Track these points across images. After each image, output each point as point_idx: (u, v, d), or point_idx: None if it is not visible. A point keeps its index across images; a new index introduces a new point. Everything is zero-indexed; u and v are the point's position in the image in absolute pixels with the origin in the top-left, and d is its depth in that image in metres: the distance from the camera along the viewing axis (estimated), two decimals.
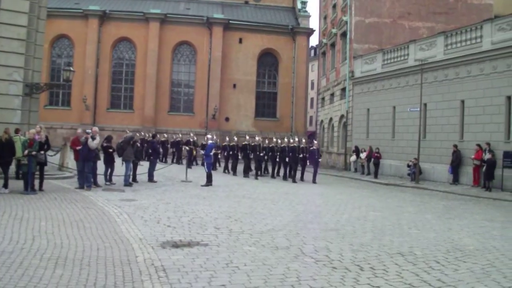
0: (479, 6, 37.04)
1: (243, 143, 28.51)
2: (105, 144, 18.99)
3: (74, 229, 10.09)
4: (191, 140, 33.91)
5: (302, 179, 25.89)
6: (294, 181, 24.94)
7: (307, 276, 7.49)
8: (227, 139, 31.54)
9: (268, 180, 25.74)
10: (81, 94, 44.58)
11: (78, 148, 17.40)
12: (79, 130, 17.84)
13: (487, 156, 22.83)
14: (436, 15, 36.83)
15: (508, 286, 7.36)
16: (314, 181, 25.22)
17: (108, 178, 19.13)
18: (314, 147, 26.85)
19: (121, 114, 46.47)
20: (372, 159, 29.95)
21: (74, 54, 46.11)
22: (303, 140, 28.00)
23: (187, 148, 30.62)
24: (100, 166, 18.84)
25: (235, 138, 29.38)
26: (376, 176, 29.25)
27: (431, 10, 36.90)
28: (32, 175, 15.36)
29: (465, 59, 25.64)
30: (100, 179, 18.75)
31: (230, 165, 29.73)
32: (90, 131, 17.83)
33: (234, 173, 28.40)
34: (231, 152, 29.54)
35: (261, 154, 27.28)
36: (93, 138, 16.95)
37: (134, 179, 20.46)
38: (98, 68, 45.88)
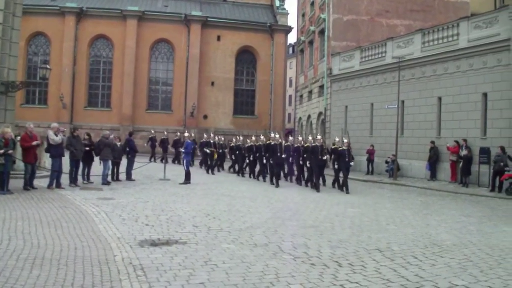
0: (456, 4, 37.37)
1: (257, 143, 24.86)
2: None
3: (51, 229, 9.99)
4: (212, 141, 29.48)
5: (334, 185, 21.58)
6: (317, 189, 20.23)
7: (286, 273, 7.50)
8: (253, 138, 26.44)
9: (286, 185, 22.38)
10: (58, 92, 44.21)
11: (34, 143, 16.66)
12: (31, 125, 17.11)
13: (463, 152, 23.09)
14: (413, 12, 37.07)
15: (485, 280, 7.46)
16: (342, 189, 20.62)
17: (86, 177, 18.99)
18: (344, 147, 20.96)
19: (99, 112, 46.14)
20: (367, 155, 29.74)
21: (50, 52, 45.70)
22: (340, 140, 22.00)
23: (207, 150, 28.43)
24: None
25: (262, 137, 25.00)
26: (371, 173, 29.27)
27: (408, 8, 37.13)
28: (7, 175, 15.17)
29: (442, 56, 25.87)
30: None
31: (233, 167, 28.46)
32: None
33: (258, 178, 24.71)
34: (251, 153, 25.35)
35: (283, 156, 22.58)
36: (56, 135, 16.75)
37: (117, 178, 20.48)
38: (75, 66, 45.49)
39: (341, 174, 20.88)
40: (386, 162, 28.17)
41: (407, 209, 15.48)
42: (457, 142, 23.97)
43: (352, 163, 21.36)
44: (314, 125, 40.82)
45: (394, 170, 26.75)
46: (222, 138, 31.00)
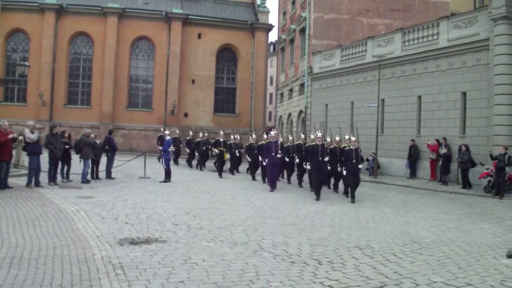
0: (436, 3, 37.69)
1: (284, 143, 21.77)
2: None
3: (30, 228, 9.91)
4: (221, 140, 26.21)
5: (347, 194, 17.84)
6: (316, 196, 17.06)
7: (266, 271, 7.52)
8: (265, 136, 23.08)
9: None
10: (38, 89, 43.70)
11: (10, 136, 16.17)
12: (6, 123, 16.86)
13: (443, 150, 23.31)
14: (394, 12, 37.32)
15: (463, 277, 7.53)
16: (352, 198, 16.86)
17: (65, 176, 18.84)
18: (351, 147, 17.35)
19: (79, 110, 45.67)
20: None
21: (30, 49, 45.10)
22: (352, 138, 17.85)
23: (216, 150, 25.63)
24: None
25: (303, 135, 20.79)
26: None
27: (389, 7, 37.38)
28: None
29: (422, 55, 26.06)
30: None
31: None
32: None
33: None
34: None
35: (279, 156, 19.74)
36: (32, 133, 16.62)
37: (97, 177, 20.38)
38: (55, 63, 45.00)
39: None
40: (367, 160, 28.24)
41: (386, 207, 15.58)
42: (437, 140, 24.18)
43: (361, 166, 17.64)
44: (294, 123, 40.92)
45: (374, 168, 26.90)
46: (238, 137, 28.06)
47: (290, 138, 22.33)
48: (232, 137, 27.55)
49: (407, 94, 26.97)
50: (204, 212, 12.83)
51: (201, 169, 28.55)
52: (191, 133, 32.39)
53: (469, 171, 21.72)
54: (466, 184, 21.67)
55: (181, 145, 32.14)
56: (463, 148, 21.75)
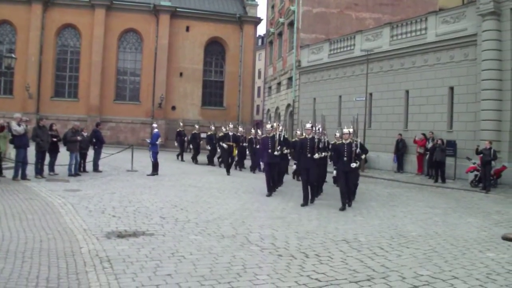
0: None
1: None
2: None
3: (16, 221, 9.85)
4: (231, 133, 24.48)
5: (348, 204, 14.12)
6: (304, 201, 14.12)
7: (253, 264, 7.54)
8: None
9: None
10: (24, 82, 43.36)
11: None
12: None
13: (430, 145, 23.41)
14: (382, 6, 37.39)
15: (449, 270, 7.58)
16: (349, 204, 14.14)
17: (52, 168, 18.72)
18: (343, 141, 14.50)
19: (66, 102, 45.41)
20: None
21: (16, 41, 44.69)
22: (344, 131, 14.82)
23: (224, 145, 23.88)
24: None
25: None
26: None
27: (377, 2, 37.45)
28: None
29: (410, 50, 26.12)
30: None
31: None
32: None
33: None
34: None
35: (276, 153, 16.28)
36: (19, 125, 16.55)
37: (84, 170, 20.29)
38: (42, 55, 44.67)
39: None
40: None
41: (373, 201, 15.67)
42: (424, 135, 24.29)
43: (354, 164, 14.03)
44: (282, 117, 40.93)
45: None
46: (259, 133, 25.37)
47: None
48: (252, 131, 25.90)
49: (395, 88, 27.05)
50: (191, 205, 12.83)
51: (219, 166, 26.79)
52: (212, 128, 29.12)
53: (444, 165, 22.11)
54: (438, 178, 22.05)
55: (201, 142, 30.33)
56: (439, 141, 22.10)
